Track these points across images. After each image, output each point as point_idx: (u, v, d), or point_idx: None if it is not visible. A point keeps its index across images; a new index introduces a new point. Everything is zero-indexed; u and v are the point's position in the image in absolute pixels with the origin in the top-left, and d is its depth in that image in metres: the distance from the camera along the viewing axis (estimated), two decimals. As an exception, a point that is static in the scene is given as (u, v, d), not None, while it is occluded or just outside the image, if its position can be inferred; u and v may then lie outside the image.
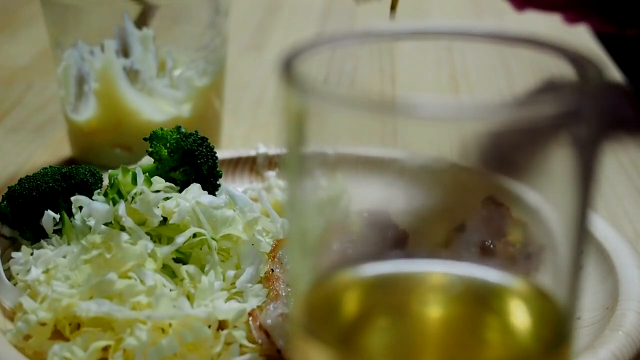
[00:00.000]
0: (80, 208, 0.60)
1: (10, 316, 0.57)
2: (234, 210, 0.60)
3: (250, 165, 0.74)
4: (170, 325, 0.52)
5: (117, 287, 0.54)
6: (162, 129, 0.63)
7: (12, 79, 1.02)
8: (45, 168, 0.62)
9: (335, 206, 0.36)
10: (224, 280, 0.57)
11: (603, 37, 1.07)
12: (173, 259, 0.57)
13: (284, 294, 0.55)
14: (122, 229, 0.57)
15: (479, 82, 0.47)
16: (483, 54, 0.37)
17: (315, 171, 0.34)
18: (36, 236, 0.61)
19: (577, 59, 0.34)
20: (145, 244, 0.56)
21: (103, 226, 0.57)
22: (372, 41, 0.39)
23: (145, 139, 0.63)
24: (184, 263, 0.57)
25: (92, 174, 0.62)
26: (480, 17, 1.24)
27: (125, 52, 0.76)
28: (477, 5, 1.30)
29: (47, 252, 0.58)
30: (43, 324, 0.53)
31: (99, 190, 0.62)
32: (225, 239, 0.58)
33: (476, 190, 0.37)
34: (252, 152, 0.74)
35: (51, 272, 0.57)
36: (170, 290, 0.55)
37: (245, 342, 0.53)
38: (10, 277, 0.59)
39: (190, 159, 0.62)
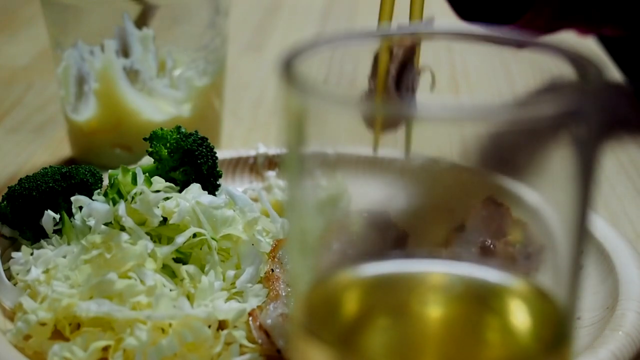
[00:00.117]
0: (80, 208, 0.60)
1: (10, 316, 0.57)
2: (234, 210, 0.60)
3: (250, 165, 0.74)
4: (170, 325, 0.52)
5: (117, 287, 0.54)
6: (162, 129, 0.63)
7: (12, 79, 1.02)
8: (45, 168, 0.62)
9: (335, 206, 0.36)
10: (224, 280, 0.57)
11: (603, 38, 1.07)
12: (173, 259, 0.57)
13: (284, 294, 0.55)
14: (122, 229, 0.57)
15: (479, 82, 0.48)
16: (483, 55, 0.37)
17: (315, 171, 0.34)
18: (36, 236, 0.61)
19: (577, 59, 0.34)
20: (145, 244, 0.56)
21: (103, 226, 0.57)
22: (372, 41, 0.39)
23: (145, 139, 0.63)
24: (184, 263, 0.57)
25: (92, 174, 0.62)
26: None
27: (125, 52, 0.76)
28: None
29: (47, 252, 0.58)
30: (43, 324, 0.53)
31: (99, 190, 0.62)
32: (225, 239, 0.58)
33: (476, 190, 0.37)
34: (252, 152, 0.75)
35: (51, 272, 0.57)
36: (170, 290, 0.55)
37: (245, 342, 0.53)
38: (10, 277, 0.59)
39: (190, 159, 0.62)
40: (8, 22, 1.24)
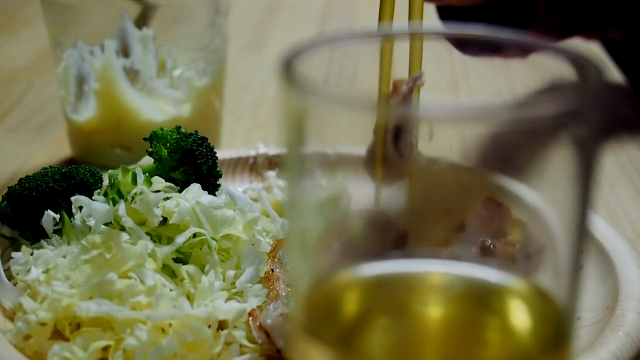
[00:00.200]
0: (80, 208, 0.60)
1: (10, 316, 0.57)
2: (234, 210, 0.60)
3: (250, 165, 0.74)
4: (170, 325, 0.52)
5: (117, 287, 0.54)
6: (162, 129, 0.63)
7: (12, 79, 1.02)
8: (45, 168, 0.62)
9: (335, 206, 0.36)
10: (224, 280, 0.57)
11: (604, 39, 1.07)
12: (173, 259, 0.57)
13: (284, 294, 0.55)
14: (122, 229, 0.57)
15: (479, 82, 0.48)
16: (483, 54, 0.37)
17: (315, 171, 0.34)
18: (36, 236, 0.61)
19: (577, 60, 0.34)
20: (145, 244, 0.56)
21: (103, 226, 0.57)
22: (372, 41, 0.39)
23: (145, 139, 0.63)
24: (184, 263, 0.57)
25: (92, 174, 0.62)
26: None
27: (125, 52, 0.76)
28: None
29: (47, 252, 0.58)
30: (43, 324, 0.53)
31: (99, 190, 0.62)
32: (225, 239, 0.58)
33: (476, 190, 0.37)
34: (252, 152, 0.75)
35: (51, 272, 0.57)
36: (170, 290, 0.55)
37: (245, 342, 0.53)
38: (10, 277, 0.59)
39: (190, 159, 0.62)
40: (8, 22, 1.24)
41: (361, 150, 0.41)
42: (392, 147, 0.37)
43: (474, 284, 0.36)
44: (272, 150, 0.74)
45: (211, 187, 0.63)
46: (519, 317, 0.36)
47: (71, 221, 0.60)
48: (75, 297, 0.54)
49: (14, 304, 0.57)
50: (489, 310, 0.36)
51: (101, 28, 0.76)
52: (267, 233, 0.60)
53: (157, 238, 0.58)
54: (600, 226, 0.61)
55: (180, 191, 0.60)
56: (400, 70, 0.51)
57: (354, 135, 0.34)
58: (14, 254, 0.59)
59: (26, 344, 0.53)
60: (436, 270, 0.37)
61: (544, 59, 0.35)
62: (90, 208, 0.58)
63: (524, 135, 0.32)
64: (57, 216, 0.60)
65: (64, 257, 0.58)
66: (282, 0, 1.34)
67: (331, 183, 0.35)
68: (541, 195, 0.34)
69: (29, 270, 0.58)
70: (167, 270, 0.57)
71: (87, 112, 0.78)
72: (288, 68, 0.33)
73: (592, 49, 1.01)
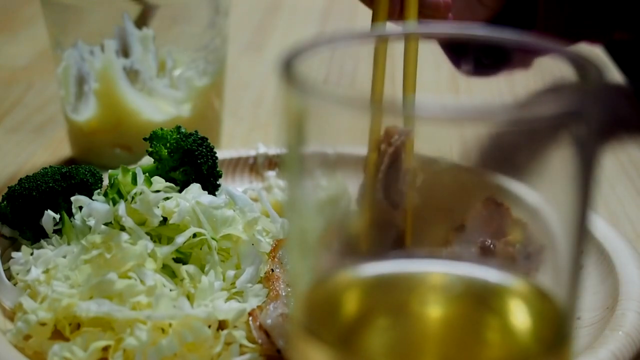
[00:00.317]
0: (80, 208, 0.60)
1: (10, 316, 0.57)
2: (234, 210, 0.60)
3: (250, 165, 0.74)
4: (170, 325, 0.52)
5: (117, 287, 0.54)
6: (162, 129, 0.63)
7: (12, 79, 1.02)
8: (45, 168, 0.62)
9: (335, 206, 0.36)
10: (224, 280, 0.57)
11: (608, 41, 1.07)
12: (173, 259, 0.57)
13: (284, 294, 0.55)
14: (122, 229, 0.57)
15: (479, 82, 0.48)
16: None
17: (315, 171, 0.34)
18: (36, 236, 0.61)
19: (577, 60, 0.34)
20: (145, 244, 0.56)
21: (103, 226, 0.57)
22: (372, 41, 0.39)
23: (145, 139, 0.63)
24: (184, 263, 0.57)
25: (92, 174, 0.62)
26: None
27: (125, 52, 0.76)
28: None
29: (47, 252, 0.58)
30: (43, 324, 0.53)
31: (99, 190, 0.62)
32: (225, 239, 0.58)
33: (476, 190, 0.37)
34: (252, 152, 0.75)
35: (51, 272, 0.57)
36: (170, 290, 0.55)
37: (245, 342, 0.53)
38: (10, 277, 0.59)
39: (190, 159, 0.62)
40: (8, 22, 1.24)
41: (361, 150, 0.41)
42: (383, 195, 0.37)
43: (474, 284, 0.36)
44: (272, 150, 0.74)
45: (211, 187, 0.63)
46: (519, 317, 0.36)
47: (71, 221, 0.60)
48: (75, 297, 0.54)
49: (14, 304, 0.57)
50: (489, 310, 0.36)
51: (101, 28, 0.76)
52: (267, 233, 0.60)
53: (157, 238, 0.58)
54: (600, 226, 0.61)
55: (180, 191, 0.60)
56: (398, 71, 0.51)
57: (354, 135, 0.34)
58: (14, 254, 0.59)
59: (26, 344, 0.53)
60: (436, 270, 0.37)
61: (544, 60, 0.35)
62: (90, 208, 0.58)
63: (524, 135, 0.32)
64: (57, 216, 0.60)
65: (64, 257, 0.58)
66: (282, 0, 1.34)
67: (331, 183, 0.35)
68: (541, 195, 0.34)
69: (29, 270, 0.58)
70: (167, 270, 0.57)
71: (87, 112, 0.78)
72: (288, 68, 0.33)
73: (592, 49, 1.01)
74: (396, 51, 0.50)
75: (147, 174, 0.60)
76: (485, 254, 0.37)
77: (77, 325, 0.54)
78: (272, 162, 0.74)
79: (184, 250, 0.57)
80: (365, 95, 0.54)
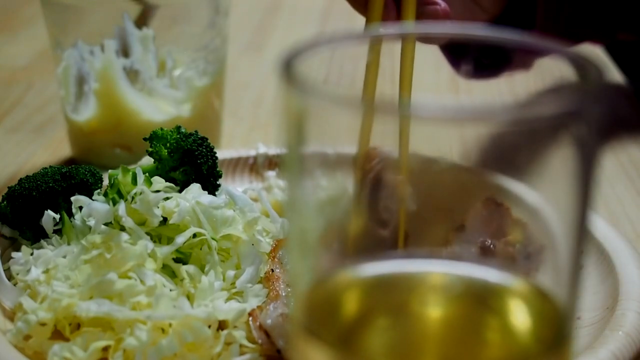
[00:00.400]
0: (80, 208, 0.60)
1: (10, 316, 0.57)
2: (234, 210, 0.60)
3: (250, 165, 0.74)
4: (170, 325, 0.52)
5: (117, 287, 0.54)
6: (162, 129, 0.63)
7: (12, 79, 1.02)
8: (45, 168, 0.62)
9: (335, 206, 0.36)
10: (224, 280, 0.56)
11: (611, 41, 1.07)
12: (173, 259, 0.57)
13: (284, 294, 0.55)
14: (122, 229, 0.57)
15: (479, 82, 0.48)
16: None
17: (315, 171, 0.34)
18: (36, 236, 0.61)
19: (577, 60, 0.34)
20: (145, 244, 0.56)
21: (103, 226, 0.57)
22: (372, 41, 0.39)
23: (145, 139, 0.63)
24: (184, 263, 0.57)
25: (92, 174, 0.62)
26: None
27: (125, 52, 0.76)
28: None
29: (47, 252, 0.58)
30: (43, 324, 0.53)
31: (99, 190, 0.62)
32: (225, 239, 0.58)
33: (476, 190, 0.37)
34: (252, 152, 0.75)
35: (51, 272, 0.57)
36: (170, 290, 0.55)
37: (245, 342, 0.53)
38: (10, 277, 0.59)
39: (190, 159, 0.62)
40: (8, 22, 1.24)
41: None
42: (369, 217, 0.37)
43: (474, 284, 0.36)
44: (272, 150, 0.74)
45: (211, 187, 0.63)
46: (519, 317, 0.36)
47: (71, 221, 0.60)
48: (75, 297, 0.54)
49: (14, 304, 0.57)
50: (489, 310, 0.36)
51: (101, 28, 0.76)
52: (267, 233, 0.60)
53: (157, 238, 0.58)
54: (600, 226, 0.61)
55: (180, 191, 0.60)
56: (396, 71, 0.51)
57: (354, 135, 0.34)
58: (14, 254, 0.59)
59: (26, 344, 0.53)
60: (436, 270, 0.37)
61: (544, 60, 0.35)
62: (90, 208, 0.58)
63: (524, 135, 0.32)
64: (57, 216, 0.60)
65: (64, 257, 0.58)
66: (282, 0, 1.34)
67: (331, 183, 0.35)
68: (541, 195, 0.34)
69: (29, 270, 0.58)
70: (167, 270, 0.57)
71: (87, 112, 0.78)
72: (288, 68, 0.33)
73: (592, 49, 1.01)
74: (396, 51, 0.50)
75: (147, 174, 0.60)
76: (485, 254, 0.37)
77: (77, 325, 0.54)
78: (272, 162, 0.74)
79: (184, 250, 0.57)
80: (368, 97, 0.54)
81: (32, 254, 0.59)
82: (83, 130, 0.79)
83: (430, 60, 0.49)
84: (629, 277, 0.57)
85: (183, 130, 0.63)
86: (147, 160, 0.64)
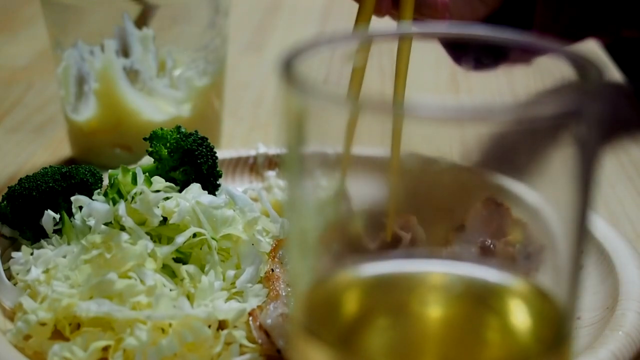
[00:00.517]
0: (80, 208, 0.60)
1: (10, 316, 0.57)
2: (234, 210, 0.60)
3: (250, 165, 0.74)
4: (170, 325, 0.52)
5: (117, 287, 0.54)
6: (162, 129, 0.63)
7: (12, 79, 1.02)
8: (45, 168, 0.62)
9: (335, 206, 0.36)
10: (224, 280, 0.57)
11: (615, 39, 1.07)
12: (173, 259, 0.57)
13: (284, 294, 0.55)
14: (122, 229, 0.57)
15: (479, 82, 0.48)
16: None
17: (315, 171, 0.34)
18: (36, 236, 0.61)
19: (577, 60, 0.34)
20: (145, 244, 0.56)
21: (103, 226, 0.57)
22: (372, 41, 0.39)
23: (145, 139, 0.63)
24: (184, 263, 0.57)
25: (92, 174, 0.62)
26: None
27: (125, 52, 0.76)
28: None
29: (47, 252, 0.58)
30: (43, 324, 0.53)
31: (99, 190, 0.62)
32: (225, 239, 0.58)
33: (476, 190, 0.37)
34: (252, 152, 0.75)
35: (51, 272, 0.57)
36: (170, 290, 0.55)
37: (245, 342, 0.53)
38: (10, 277, 0.59)
39: (190, 159, 0.62)
40: (8, 22, 1.24)
41: (361, 150, 0.41)
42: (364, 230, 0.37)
43: (474, 284, 0.36)
44: (272, 150, 0.74)
45: (211, 187, 0.63)
46: (519, 317, 0.36)
47: (71, 221, 0.60)
48: (75, 297, 0.54)
49: (14, 304, 0.57)
50: (489, 310, 0.36)
51: (101, 28, 0.76)
52: (267, 233, 0.60)
53: (157, 238, 0.58)
54: (600, 226, 0.61)
55: (180, 191, 0.61)
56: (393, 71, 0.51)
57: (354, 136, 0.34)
58: (14, 254, 0.59)
59: (26, 344, 0.53)
60: (436, 270, 0.37)
61: (544, 59, 0.35)
62: (90, 208, 0.58)
63: (524, 135, 0.32)
64: (57, 216, 0.60)
65: (64, 257, 0.58)
66: (282, 0, 1.34)
67: (331, 183, 0.35)
68: (541, 195, 0.34)
69: (29, 270, 0.58)
70: (167, 270, 0.57)
71: (87, 112, 0.78)
72: (288, 68, 0.33)
73: (593, 49, 1.01)
74: (394, 51, 0.50)
75: (147, 174, 0.60)
76: (485, 254, 0.37)
77: (77, 325, 0.54)
78: (272, 162, 0.74)
79: (184, 250, 0.57)
80: (365, 96, 0.54)
81: (32, 254, 0.59)
82: (83, 130, 0.79)
83: (430, 59, 0.49)
84: (629, 277, 0.57)
85: (183, 130, 0.63)
86: (147, 160, 0.64)
